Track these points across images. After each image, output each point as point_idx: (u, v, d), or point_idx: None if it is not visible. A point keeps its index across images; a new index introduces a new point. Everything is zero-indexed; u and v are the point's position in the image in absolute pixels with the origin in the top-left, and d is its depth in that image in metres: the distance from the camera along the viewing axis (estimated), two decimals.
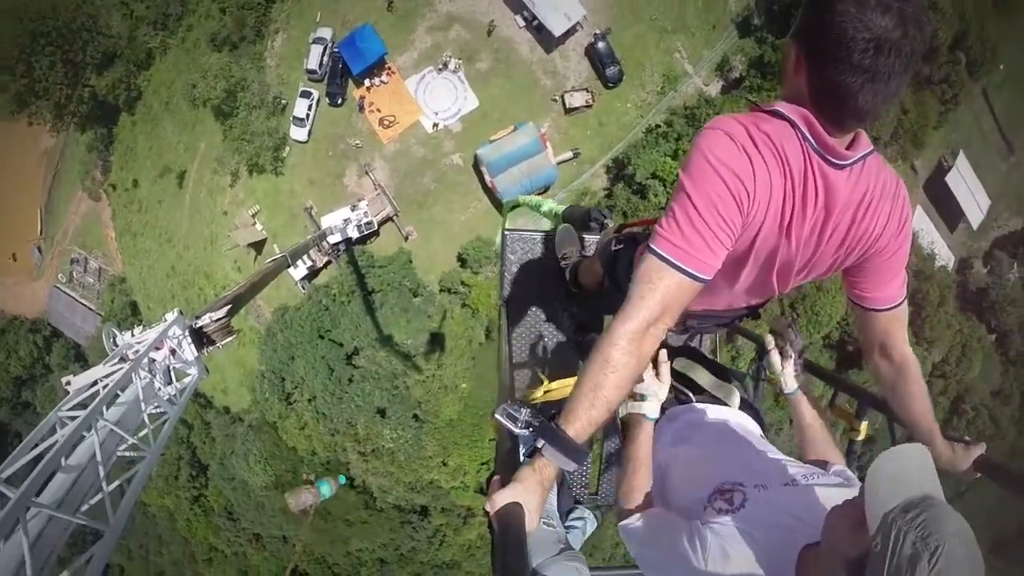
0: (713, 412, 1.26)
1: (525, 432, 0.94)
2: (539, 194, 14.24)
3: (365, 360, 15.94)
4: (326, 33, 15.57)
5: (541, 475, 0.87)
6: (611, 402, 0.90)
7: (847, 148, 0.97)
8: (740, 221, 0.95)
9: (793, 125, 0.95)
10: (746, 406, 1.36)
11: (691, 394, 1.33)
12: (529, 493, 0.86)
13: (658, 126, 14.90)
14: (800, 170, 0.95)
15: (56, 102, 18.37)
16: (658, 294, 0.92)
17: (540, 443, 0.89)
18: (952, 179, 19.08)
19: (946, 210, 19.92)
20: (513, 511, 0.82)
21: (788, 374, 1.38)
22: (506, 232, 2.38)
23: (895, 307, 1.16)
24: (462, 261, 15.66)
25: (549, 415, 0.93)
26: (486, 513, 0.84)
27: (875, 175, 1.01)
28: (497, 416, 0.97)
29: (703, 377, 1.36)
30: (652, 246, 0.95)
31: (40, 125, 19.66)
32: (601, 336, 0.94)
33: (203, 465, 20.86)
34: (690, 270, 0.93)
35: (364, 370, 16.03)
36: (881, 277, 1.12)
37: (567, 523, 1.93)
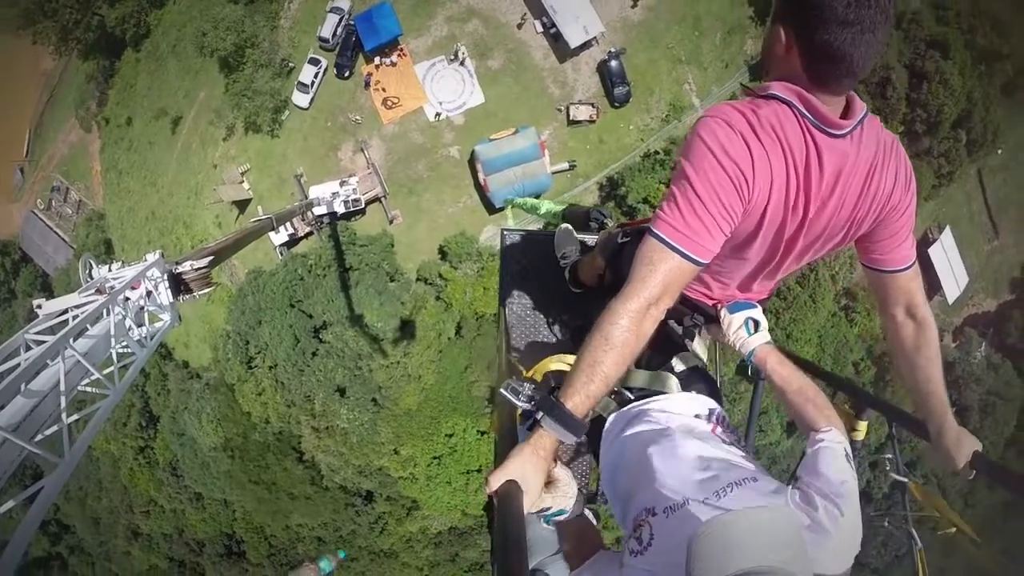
0: (646, 419, 1.15)
1: (527, 405, 0.95)
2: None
3: (332, 336, 15.80)
4: (344, 4, 15.41)
5: (536, 445, 0.88)
6: (609, 378, 0.91)
7: (844, 115, 0.98)
8: (741, 207, 0.97)
9: (789, 104, 0.96)
10: (694, 378, 1.27)
11: (629, 392, 1.25)
12: (526, 464, 0.87)
13: (656, 153, 15.01)
14: (801, 148, 0.96)
15: (63, 25, 17.96)
16: (659, 275, 0.94)
17: (539, 415, 0.90)
18: (935, 252, 19.52)
19: (924, 281, 20.14)
20: (511, 491, 0.82)
21: (736, 340, 1.24)
22: (505, 232, 2.37)
23: (912, 265, 1.17)
24: (443, 254, 15.60)
25: (550, 390, 0.95)
26: (488, 497, 0.84)
27: (876, 136, 1.02)
28: (502, 391, 0.98)
29: (636, 379, 1.28)
30: (654, 229, 0.97)
31: (43, 45, 19.20)
32: (602, 314, 0.95)
33: (154, 416, 20.50)
34: (690, 254, 0.95)
35: (330, 346, 15.89)
36: (897, 237, 1.13)
37: None
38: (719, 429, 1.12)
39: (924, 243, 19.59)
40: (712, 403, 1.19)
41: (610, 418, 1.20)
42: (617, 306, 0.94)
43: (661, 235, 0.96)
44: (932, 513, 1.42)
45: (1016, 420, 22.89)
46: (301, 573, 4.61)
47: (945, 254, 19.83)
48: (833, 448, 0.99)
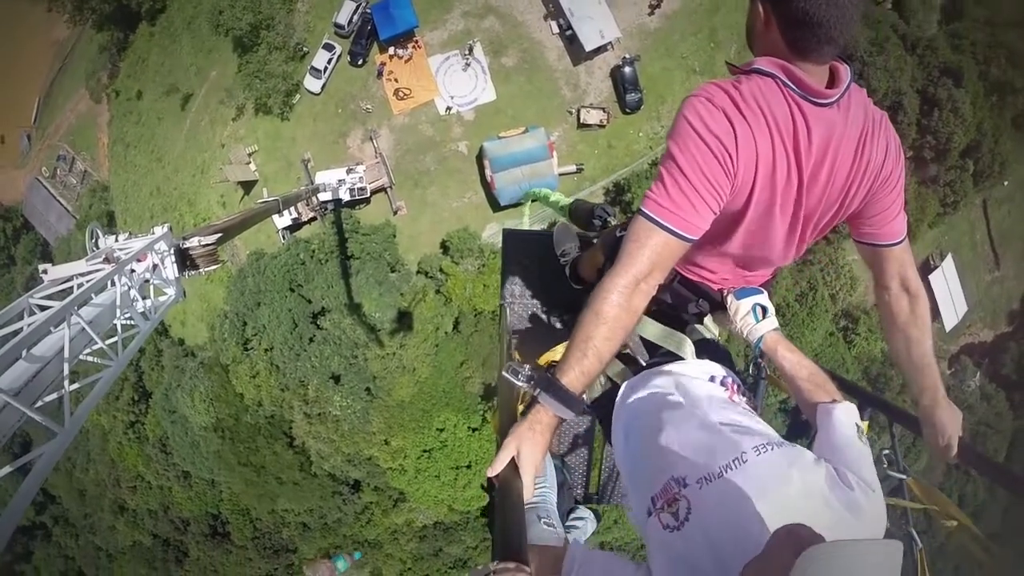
0: (660, 381, 1.11)
1: (526, 385, 0.97)
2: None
3: (330, 323, 15.79)
4: None
5: (532, 420, 0.91)
6: (602, 353, 0.93)
7: (829, 85, 0.99)
8: (728, 182, 0.98)
9: (773, 77, 0.97)
10: (705, 347, 1.26)
11: (642, 359, 1.23)
12: (523, 440, 0.89)
13: None
14: (787, 120, 0.96)
15: None
16: (647, 251, 0.96)
17: (536, 391, 0.92)
18: (935, 279, 19.56)
19: None
20: (511, 478, 0.85)
21: (743, 326, 1.22)
22: (506, 230, 2.42)
23: (905, 239, 1.18)
24: (445, 248, 15.60)
25: (547, 369, 0.98)
26: (489, 482, 0.88)
27: (864, 107, 1.03)
28: (503, 373, 1.01)
29: (649, 329, 1.26)
30: (641, 208, 0.99)
31: (58, 13, 19.15)
32: (593, 291, 0.97)
33: (147, 392, 20.49)
34: (676, 230, 0.97)
35: (327, 333, 15.88)
36: (890, 211, 1.14)
37: (567, 523, 1.91)
38: (736, 395, 1.09)
39: (925, 269, 19.63)
40: (725, 370, 1.17)
41: (624, 384, 1.18)
42: (607, 282, 0.95)
43: (648, 212, 0.97)
44: (932, 508, 1.41)
45: (1006, 452, 22.97)
46: (318, 569, 4.59)
47: (946, 281, 19.87)
48: (844, 420, 0.98)
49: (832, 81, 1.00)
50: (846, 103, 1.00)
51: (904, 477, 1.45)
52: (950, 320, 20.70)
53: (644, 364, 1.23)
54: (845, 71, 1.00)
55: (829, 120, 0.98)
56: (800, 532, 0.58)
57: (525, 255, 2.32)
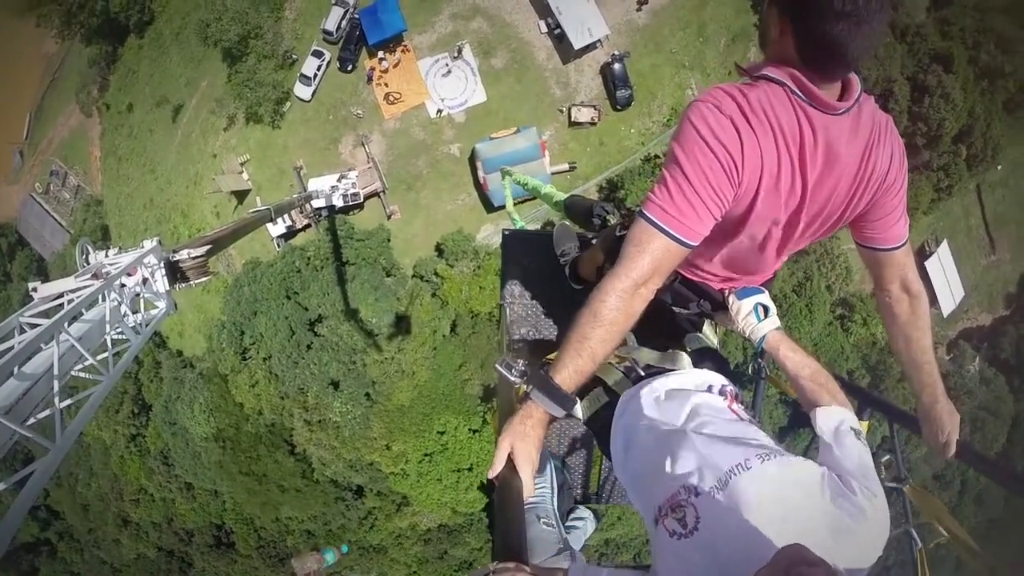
0: (659, 392, 1.11)
1: (519, 380, 0.99)
2: (528, 200, 14.26)
3: (327, 330, 15.79)
4: None
5: (524, 415, 0.92)
6: (596, 354, 0.93)
7: (841, 96, 0.99)
8: (731, 191, 0.98)
9: (782, 85, 0.96)
10: (703, 356, 1.27)
11: (640, 368, 1.23)
12: (516, 435, 0.91)
13: (656, 157, 15.03)
14: (793, 130, 0.96)
15: (68, 8, 17.93)
16: (647, 256, 0.96)
17: (529, 388, 0.94)
18: (931, 265, 19.60)
19: None
20: (510, 478, 0.86)
21: (745, 326, 1.22)
22: (505, 231, 2.42)
23: (906, 242, 1.19)
24: (439, 251, 15.61)
25: (540, 366, 0.98)
26: (492, 484, 0.89)
27: (872, 116, 1.03)
28: (497, 366, 1.03)
29: (644, 355, 1.27)
30: (644, 211, 0.99)
31: (47, 28, 19.15)
32: (591, 293, 0.96)
33: (146, 404, 20.47)
34: (678, 236, 0.96)
35: (325, 339, 15.88)
36: (892, 216, 1.14)
37: (567, 523, 1.90)
38: (735, 404, 1.09)
39: (921, 255, 19.65)
40: (724, 379, 1.17)
41: (623, 395, 1.18)
42: (606, 284, 0.95)
43: (651, 217, 0.97)
44: (930, 520, 1.40)
45: (1007, 435, 23.00)
46: (306, 561, 4.62)
47: (942, 267, 19.90)
48: (843, 426, 0.99)
49: (843, 90, 0.99)
50: (856, 112, 0.99)
51: (902, 486, 1.45)
52: (947, 306, 20.72)
53: (643, 374, 1.23)
54: (856, 82, 0.99)
55: (837, 129, 0.98)
56: (802, 557, 0.57)
57: (525, 255, 2.31)
